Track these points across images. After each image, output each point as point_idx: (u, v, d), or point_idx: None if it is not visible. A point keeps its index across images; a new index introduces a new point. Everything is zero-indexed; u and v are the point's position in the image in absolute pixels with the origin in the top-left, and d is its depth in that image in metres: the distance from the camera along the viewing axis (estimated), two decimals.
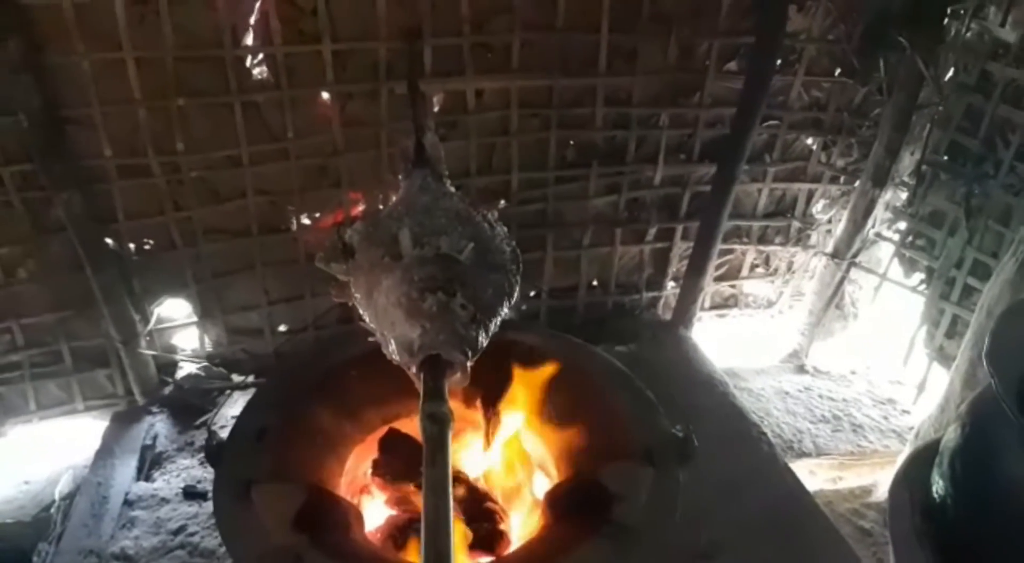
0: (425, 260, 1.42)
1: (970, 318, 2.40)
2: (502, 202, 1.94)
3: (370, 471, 1.75)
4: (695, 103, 2.68)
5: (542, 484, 1.80)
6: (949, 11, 2.51)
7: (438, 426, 1.08)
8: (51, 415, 2.54)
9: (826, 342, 3.21)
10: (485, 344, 1.32)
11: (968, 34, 2.49)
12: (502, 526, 1.65)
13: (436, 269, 1.39)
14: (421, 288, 1.33)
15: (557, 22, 2.38)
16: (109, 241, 2.34)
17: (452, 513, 0.95)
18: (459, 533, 1.54)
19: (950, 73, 2.61)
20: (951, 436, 1.69)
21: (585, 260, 2.92)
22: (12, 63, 1.95)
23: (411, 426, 1.85)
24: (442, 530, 0.91)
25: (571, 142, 2.67)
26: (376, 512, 1.73)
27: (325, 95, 2.35)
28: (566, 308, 3.02)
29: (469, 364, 1.27)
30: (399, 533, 1.63)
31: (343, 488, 1.71)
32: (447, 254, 1.44)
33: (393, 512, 1.71)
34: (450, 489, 0.98)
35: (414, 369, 1.26)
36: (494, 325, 1.39)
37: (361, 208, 2.55)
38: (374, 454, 1.77)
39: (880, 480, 2.63)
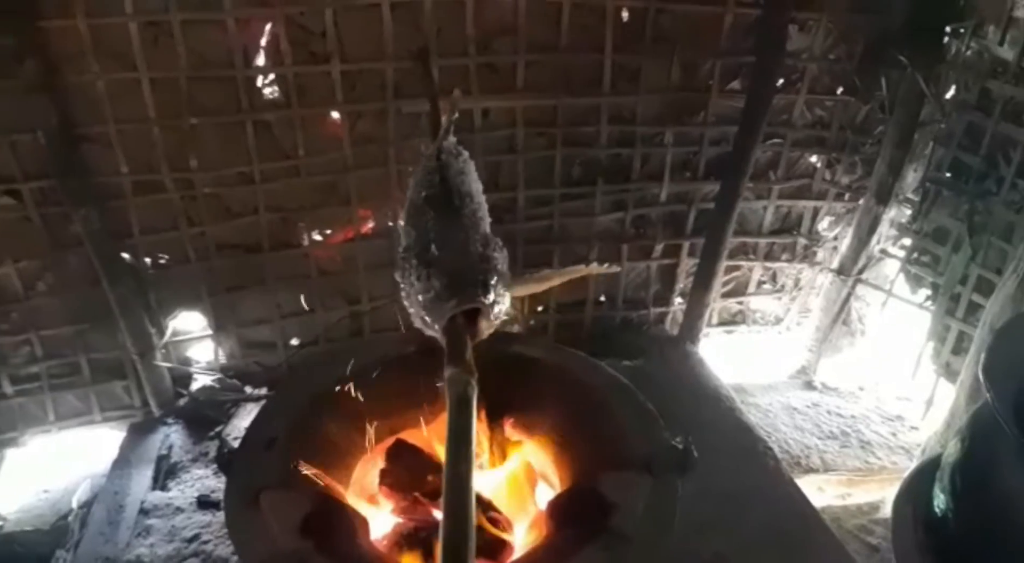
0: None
1: (975, 334, 2.41)
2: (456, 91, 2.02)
3: (377, 480, 1.78)
4: (699, 121, 2.71)
5: (545, 494, 1.82)
6: (949, 30, 2.54)
7: (458, 387, 1.17)
8: (69, 425, 2.58)
9: (834, 358, 3.22)
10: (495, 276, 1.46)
11: (968, 52, 2.51)
12: (505, 535, 1.67)
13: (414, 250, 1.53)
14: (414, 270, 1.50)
15: (561, 42, 2.43)
16: (125, 255, 2.39)
17: (473, 472, 1.01)
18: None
19: (951, 91, 2.63)
20: (951, 451, 1.71)
21: (592, 276, 2.95)
22: (30, 82, 2.01)
23: (417, 437, 1.88)
24: (464, 486, 0.98)
25: (576, 160, 2.71)
26: (382, 521, 1.76)
27: (335, 114, 2.41)
28: (573, 323, 3.04)
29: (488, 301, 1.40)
30: (404, 541, 1.65)
31: (350, 497, 1.74)
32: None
33: (399, 520, 1.74)
34: (473, 443, 1.03)
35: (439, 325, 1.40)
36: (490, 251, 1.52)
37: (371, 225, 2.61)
38: (381, 464, 1.81)
39: (888, 497, 2.61)
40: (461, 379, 1.20)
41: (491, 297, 1.41)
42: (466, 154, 1.84)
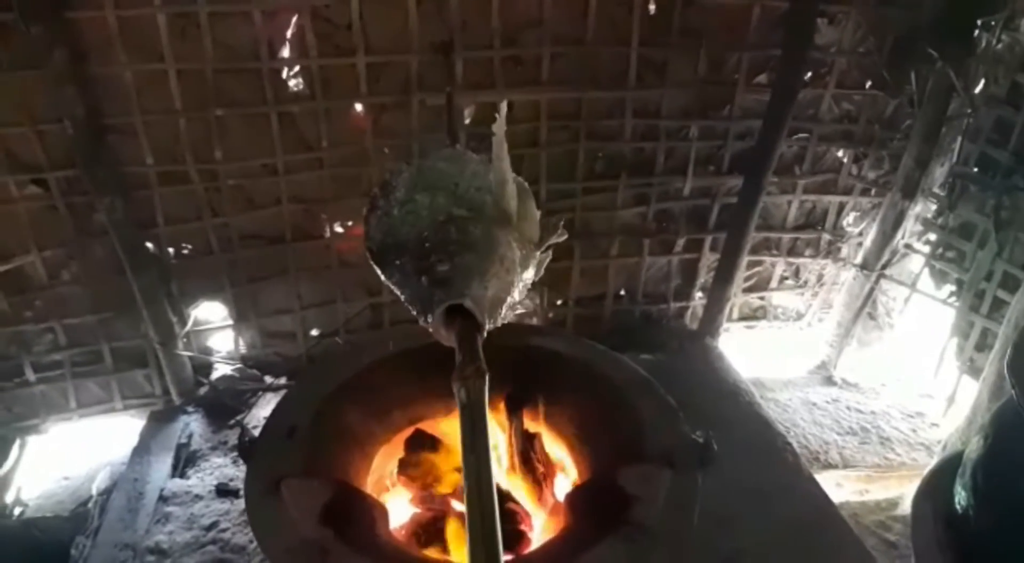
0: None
1: (999, 331, 2.39)
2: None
3: (396, 470, 1.78)
4: (724, 115, 2.70)
5: (563, 485, 1.82)
6: (980, 23, 2.50)
7: (468, 385, 1.12)
8: (91, 413, 2.61)
9: (861, 353, 3.19)
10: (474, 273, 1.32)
11: (999, 46, 2.48)
12: (523, 526, 1.67)
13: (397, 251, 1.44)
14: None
15: (587, 36, 2.42)
16: (149, 245, 2.42)
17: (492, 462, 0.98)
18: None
19: (980, 85, 2.60)
20: (974, 447, 1.69)
21: (613, 270, 2.95)
22: (58, 73, 2.03)
23: (436, 427, 1.89)
24: (484, 478, 0.95)
25: (600, 154, 2.71)
26: (401, 510, 1.77)
27: (359, 106, 2.41)
28: (593, 316, 3.04)
29: (468, 304, 1.27)
30: (423, 531, 1.66)
31: (369, 486, 1.75)
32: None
33: (418, 510, 1.74)
34: (489, 448, 1.01)
35: (443, 332, 1.28)
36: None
37: None
38: (400, 453, 1.81)
39: (907, 493, 2.60)
40: (472, 382, 1.13)
41: (482, 291, 1.30)
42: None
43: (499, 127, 1.35)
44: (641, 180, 2.77)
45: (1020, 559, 1.53)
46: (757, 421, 2.57)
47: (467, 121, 2.50)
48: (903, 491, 2.65)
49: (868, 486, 2.72)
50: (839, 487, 2.67)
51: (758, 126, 2.67)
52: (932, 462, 2.42)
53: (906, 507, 2.57)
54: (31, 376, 2.47)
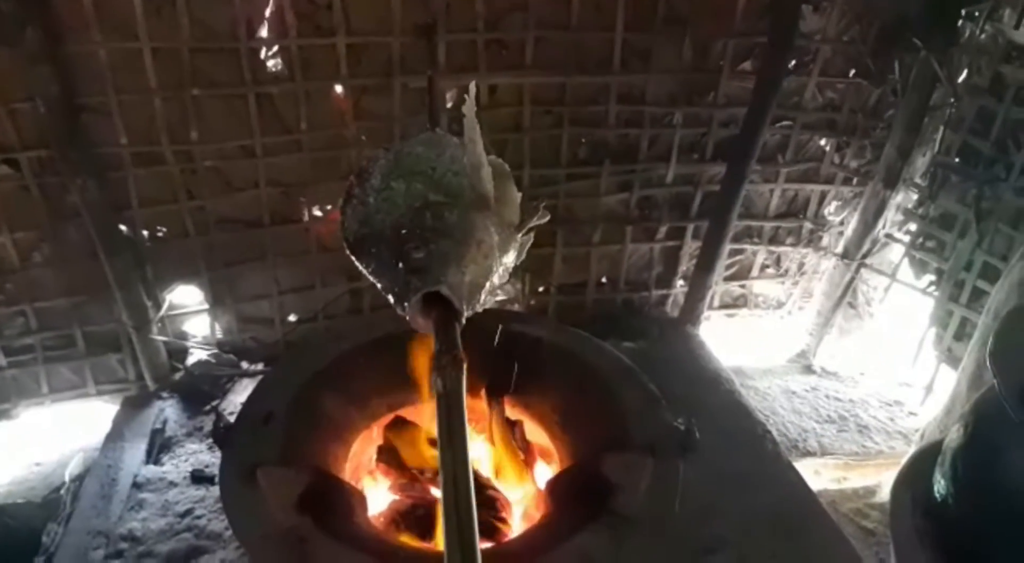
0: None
1: (978, 320, 2.40)
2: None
3: (375, 457, 1.77)
4: (709, 102, 2.69)
5: (544, 473, 1.81)
6: (964, 13, 2.50)
7: (445, 375, 1.07)
8: (63, 398, 2.57)
9: (841, 342, 3.21)
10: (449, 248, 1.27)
11: (982, 36, 2.49)
12: (503, 514, 1.66)
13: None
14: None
15: (572, 20, 2.39)
16: (123, 228, 2.36)
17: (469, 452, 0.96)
18: None
19: (963, 75, 2.60)
20: (954, 436, 1.69)
21: (595, 257, 2.93)
22: (31, 51, 1.98)
23: (416, 414, 1.87)
24: (461, 470, 0.92)
25: (583, 140, 2.68)
26: (380, 497, 1.75)
27: (339, 88, 2.37)
28: (575, 304, 3.03)
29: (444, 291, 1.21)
30: (402, 518, 1.64)
31: (348, 473, 1.73)
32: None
33: (396, 497, 1.73)
34: (467, 440, 0.98)
35: (420, 320, 1.24)
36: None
37: None
38: (379, 441, 1.80)
39: (884, 481, 2.62)
40: (449, 372, 1.08)
41: (459, 277, 1.25)
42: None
43: (470, 108, 1.31)
44: (625, 167, 2.75)
45: (999, 548, 1.54)
46: (737, 409, 2.57)
47: (449, 105, 2.47)
48: (881, 479, 2.67)
49: (846, 474, 2.74)
50: (817, 475, 2.69)
51: (742, 114, 2.66)
52: (910, 450, 2.44)
53: (884, 495, 2.59)
54: (2, 361, 2.42)
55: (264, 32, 2.23)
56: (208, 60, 2.20)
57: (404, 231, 1.31)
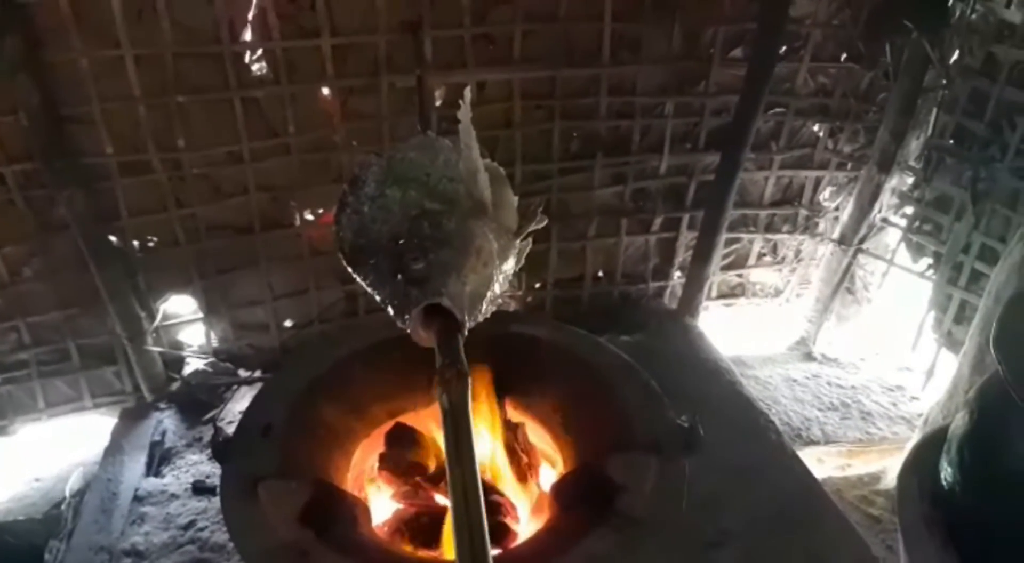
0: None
1: (978, 303, 2.39)
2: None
3: (377, 465, 1.75)
4: (700, 91, 2.66)
5: (548, 476, 1.80)
6: None
7: (450, 389, 1.06)
8: (60, 413, 2.54)
9: (840, 328, 3.20)
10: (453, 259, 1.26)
11: (973, 16, 2.47)
12: (508, 519, 1.64)
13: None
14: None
15: (559, 12, 2.37)
16: (113, 238, 2.34)
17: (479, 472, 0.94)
18: None
19: (955, 56, 2.58)
20: (959, 423, 1.68)
21: (590, 251, 2.92)
22: (10, 61, 1.95)
23: (417, 420, 1.85)
24: (471, 486, 0.91)
25: (575, 133, 2.66)
26: (383, 506, 1.73)
27: (325, 90, 2.35)
28: (572, 298, 3.01)
29: (444, 302, 1.20)
30: (406, 527, 1.62)
31: (349, 483, 1.71)
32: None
33: (400, 506, 1.71)
34: (475, 451, 0.96)
35: (422, 333, 1.22)
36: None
37: None
38: (380, 448, 1.77)
39: (889, 467, 2.62)
40: (454, 386, 1.07)
41: (460, 288, 1.24)
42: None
43: (465, 113, 1.29)
44: (617, 159, 2.73)
45: (1009, 536, 1.52)
46: (739, 399, 2.56)
47: (438, 103, 2.44)
48: (885, 465, 2.66)
49: (850, 461, 2.73)
50: (821, 463, 2.68)
51: (734, 102, 2.64)
52: (914, 436, 2.44)
53: (888, 481, 2.59)
54: None
55: (247, 35, 2.20)
56: (192, 65, 2.17)
57: (402, 241, 1.29)
